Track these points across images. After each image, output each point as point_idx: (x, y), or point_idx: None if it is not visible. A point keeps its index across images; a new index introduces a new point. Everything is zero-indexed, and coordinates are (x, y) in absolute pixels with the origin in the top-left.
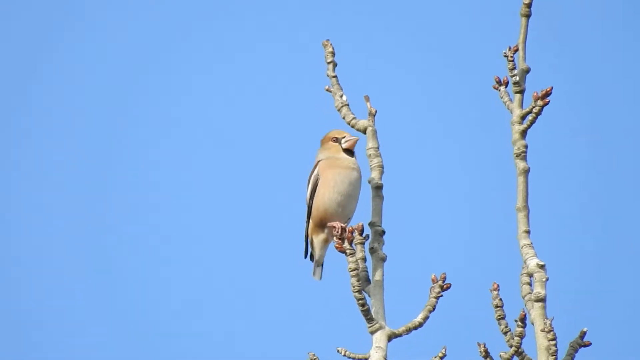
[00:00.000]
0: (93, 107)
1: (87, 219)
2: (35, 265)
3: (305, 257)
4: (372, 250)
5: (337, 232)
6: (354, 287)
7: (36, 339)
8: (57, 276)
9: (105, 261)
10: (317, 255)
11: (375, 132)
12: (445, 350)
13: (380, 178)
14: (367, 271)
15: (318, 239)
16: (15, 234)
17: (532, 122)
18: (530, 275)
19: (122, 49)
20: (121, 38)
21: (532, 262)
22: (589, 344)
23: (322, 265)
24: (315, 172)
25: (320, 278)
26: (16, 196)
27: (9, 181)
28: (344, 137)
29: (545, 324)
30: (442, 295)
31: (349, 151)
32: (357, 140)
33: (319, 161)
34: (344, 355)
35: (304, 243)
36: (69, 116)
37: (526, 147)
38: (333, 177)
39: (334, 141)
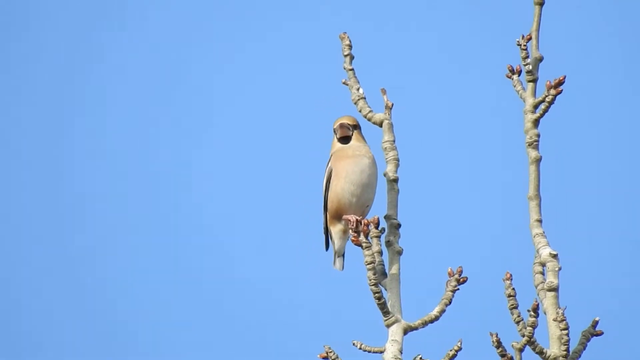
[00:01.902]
0: (130, 105)
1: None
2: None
3: (327, 249)
4: (388, 244)
5: (353, 225)
6: (370, 280)
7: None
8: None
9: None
10: (336, 246)
11: (391, 126)
12: (461, 344)
13: (396, 171)
14: (383, 264)
15: (336, 230)
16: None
17: (545, 111)
18: (543, 264)
19: (159, 46)
20: (154, 33)
21: (545, 252)
22: (601, 333)
23: (343, 255)
24: (329, 164)
25: (342, 268)
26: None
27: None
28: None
29: (557, 313)
30: (458, 289)
31: (346, 139)
32: (341, 124)
33: (332, 154)
34: (360, 348)
35: (323, 236)
36: (109, 112)
37: (538, 136)
38: (344, 168)
39: (335, 132)
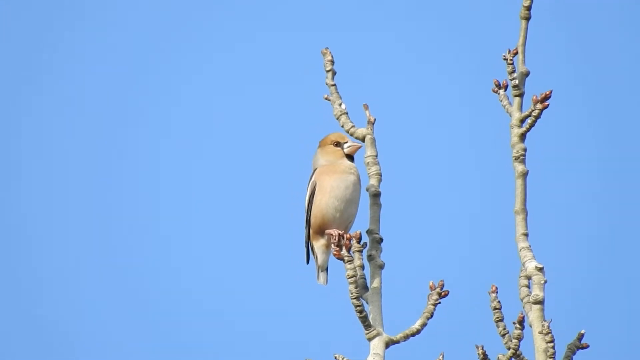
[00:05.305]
0: (95, 104)
1: (92, 218)
2: (41, 262)
3: (307, 263)
4: (370, 258)
5: (335, 239)
6: (351, 294)
7: (42, 335)
8: (62, 273)
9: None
10: (319, 261)
11: (373, 141)
12: (443, 357)
13: (379, 186)
14: (365, 278)
15: (319, 245)
16: (26, 233)
17: (532, 125)
18: (529, 277)
19: (123, 46)
20: (120, 34)
21: (531, 265)
22: (587, 346)
23: (326, 270)
24: (313, 178)
25: (326, 283)
26: (23, 195)
27: (14, 180)
28: (346, 142)
29: (543, 326)
30: (440, 302)
31: (349, 157)
32: (359, 148)
33: (316, 168)
34: None
35: (304, 249)
36: (71, 114)
37: (525, 150)
38: (329, 183)
39: (336, 145)
